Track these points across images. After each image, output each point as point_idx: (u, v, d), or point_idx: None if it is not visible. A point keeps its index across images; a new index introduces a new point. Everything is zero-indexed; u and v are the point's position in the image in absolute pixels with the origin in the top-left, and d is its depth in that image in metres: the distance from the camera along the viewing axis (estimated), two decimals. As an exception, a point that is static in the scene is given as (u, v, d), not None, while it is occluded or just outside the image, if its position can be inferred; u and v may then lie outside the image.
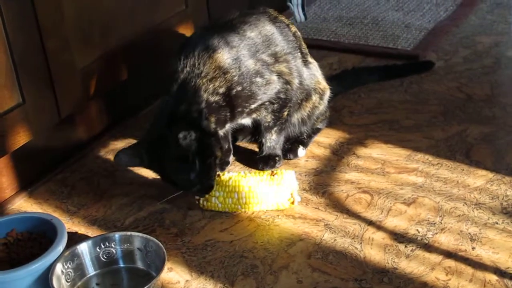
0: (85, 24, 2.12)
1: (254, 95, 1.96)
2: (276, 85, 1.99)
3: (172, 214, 1.94)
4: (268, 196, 1.90)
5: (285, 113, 2.06)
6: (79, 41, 2.11)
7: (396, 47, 2.70)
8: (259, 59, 1.97)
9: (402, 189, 1.96)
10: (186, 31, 2.43)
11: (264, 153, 2.10)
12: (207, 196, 1.90)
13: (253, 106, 1.98)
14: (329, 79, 2.26)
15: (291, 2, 2.87)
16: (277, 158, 2.10)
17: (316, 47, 2.69)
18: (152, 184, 2.08)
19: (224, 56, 1.92)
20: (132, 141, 2.27)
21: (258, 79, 1.96)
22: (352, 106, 2.37)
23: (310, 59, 2.16)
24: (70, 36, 2.07)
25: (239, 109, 1.95)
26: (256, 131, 2.11)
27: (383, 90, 2.43)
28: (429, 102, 2.34)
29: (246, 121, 2.04)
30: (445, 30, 2.79)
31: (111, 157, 2.22)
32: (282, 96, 2.02)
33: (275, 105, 2.02)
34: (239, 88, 1.93)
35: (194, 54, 1.91)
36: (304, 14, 2.91)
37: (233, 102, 1.93)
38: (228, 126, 1.98)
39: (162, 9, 2.37)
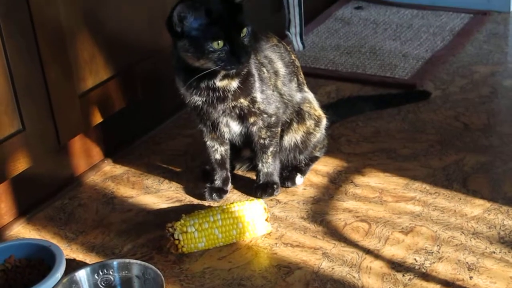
0: (86, 54, 2.13)
1: (261, 86, 1.99)
2: (272, 95, 2.02)
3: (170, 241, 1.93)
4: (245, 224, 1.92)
5: (279, 129, 2.07)
6: (80, 70, 2.12)
7: (393, 76, 2.71)
8: (266, 61, 2.03)
9: (400, 218, 1.97)
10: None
11: (262, 181, 2.10)
12: (184, 229, 1.89)
13: (258, 101, 2.00)
14: (326, 107, 2.27)
15: (289, 31, 2.89)
16: (275, 186, 2.10)
17: (314, 76, 2.71)
18: (150, 211, 2.09)
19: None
20: (131, 169, 2.29)
21: (264, 86, 2.00)
22: (350, 134, 2.37)
23: (306, 89, 2.18)
24: (71, 65, 2.08)
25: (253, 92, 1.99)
26: (253, 158, 2.12)
27: (381, 119, 2.44)
28: (426, 131, 2.35)
29: (237, 128, 2.04)
30: (442, 60, 2.80)
31: (109, 184, 2.23)
32: (278, 105, 2.04)
33: (272, 118, 2.03)
34: (254, 72, 1.98)
35: None
36: (303, 43, 2.92)
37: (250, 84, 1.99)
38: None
39: (164, 37, 2.38)
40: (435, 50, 2.89)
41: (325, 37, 3.09)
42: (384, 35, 3.05)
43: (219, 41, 1.83)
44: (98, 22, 2.16)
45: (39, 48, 1.98)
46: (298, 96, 2.12)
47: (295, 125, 2.13)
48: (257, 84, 1.98)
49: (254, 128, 2.04)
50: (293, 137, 2.13)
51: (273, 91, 2.02)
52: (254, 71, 1.98)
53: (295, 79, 2.12)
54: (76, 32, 2.09)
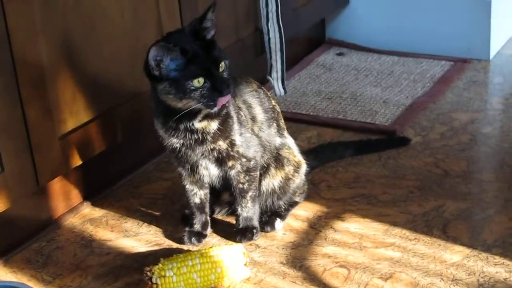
0: (67, 95, 2.14)
1: (240, 129, 2.01)
2: (250, 138, 2.03)
3: (148, 285, 1.92)
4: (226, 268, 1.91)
5: (257, 173, 2.07)
6: (60, 110, 2.12)
7: (374, 122, 2.73)
8: (245, 106, 2.05)
9: (379, 264, 1.97)
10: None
11: (241, 225, 2.10)
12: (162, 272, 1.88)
13: (237, 144, 2.00)
14: (307, 153, 2.28)
15: (271, 76, 2.91)
16: (254, 230, 2.10)
17: (295, 121, 2.72)
18: (128, 255, 2.08)
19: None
20: (110, 212, 2.28)
21: (244, 119, 2.03)
22: (329, 180, 2.38)
23: (286, 135, 2.19)
24: (51, 106, 2.08)
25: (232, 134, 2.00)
26: (233, 202, 2.12)
27: (361, 165, 2.45)
28: (406, 177, 2.36)
29: (215, 171, 2.05)
30: (422, 106, 2.83)
31: (88, 226, 2.22)
32: (257, 149, 2.04)
33: (251, 162, 2.03)
34: (232, 113, 1.99)
35: None
36: (284, 88, 2.95)
37: (228, 126, 1.99)
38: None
39: (142, 83, 2.39)
40: (415, 96, 2.91)
41: (306, 82, 3.11)
42: (365, 82, 3.08)
43: (199, 79, 1.85)
44: (79, 63, 2.17)
45: (20, 87, 1.98)
46: (277, 141, 2.13)
47: (272, 170, 2.13)
48: (235, 127, 1.99)
49: (233, 172, 2.04)
50: (270, 182, 2.14)
51: (251, 134, 2.03)
52: (233, 114, 1.99)
53: (275, 124, 2.13)
54: (57, 72, 2.10)
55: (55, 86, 2.09)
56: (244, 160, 2.02)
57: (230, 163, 2.02)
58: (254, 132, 2.06)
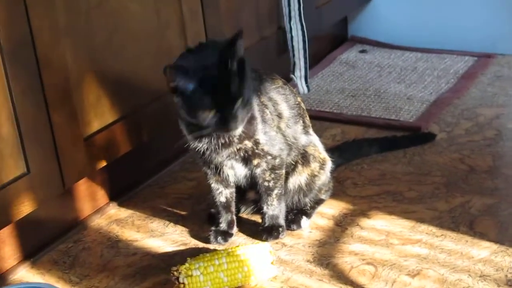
0: (92, 96, 2.15)
1: (264, 128, 2.00)
2: (276, 135, 2.02)
3: (175, 285, 1.93)
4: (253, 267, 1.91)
5: (283, 171, 2.06)
6: (86, 112, 2.13)
7: (398, 119, 2.72)
8: (271, 104, 2.04)
9: (406, 261, 1.96)
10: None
11: (267, 224, 2.10)
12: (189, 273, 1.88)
13: (262, 143, 1.99)
14: (331, 150, 2.27)
15: (294, 74, 2.91)
16: (280, 229, 2.10)
17: (319, 119, 2.71)
18: (155, 255, 2.08)
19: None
20: (136, 213, 2.29)
21: (269, 116, 2.01)
22: (355, 177, 2.37)
23: (312, 132, 2.18)
24: (76, 108, 2.09)
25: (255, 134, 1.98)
26: (258, 200, 2.12)
27: (386, 162, 2.44)
28: (432, 174, 2.35)
29: (242, 171, 2.05)
30: (446, 102, 2.81)
31: (114, 227, 2.23)
32: (282, 147, 2.04)
33: (277, 160, 2.03)
34: (256, 114, 1.98)
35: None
36: (307, 86, 2.94)
37: (252, 124, 1.97)
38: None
39: (165, 82, 2.39)
40: (439, 92, 2.90)
41: (330, 80, 3.10)
42: (388, 78, 3.06)
43: (211, 111, 1.84)
44: (103, 64, 2.18)
45: (45, 90, 1.99)
46: (303, 139, 2.13)
47: (300, 167, 2.13)
48: (260, 126, 1.98)
49: (258, 170, 2.04)
50: (297, 180, 2.13)
51: (276, 132, 2.03)
52: (257, 114, 1.98)
53: (301, 121, 2.13)
54: (81, 74, 2.11)
55: (79, 88, 2.10)
56: (269, 157, 2.02)
57: (255, 161, 2.02)
58: (281, 129, 2.05)
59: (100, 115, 2.19)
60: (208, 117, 1.85)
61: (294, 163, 2.12)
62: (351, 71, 3.17)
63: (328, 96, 2.95)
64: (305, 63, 2.91)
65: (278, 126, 2.05)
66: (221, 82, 1.84)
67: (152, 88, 2.34)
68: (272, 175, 2.05)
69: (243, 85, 1.87)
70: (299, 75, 2.92)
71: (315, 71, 3.17)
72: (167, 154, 2.52)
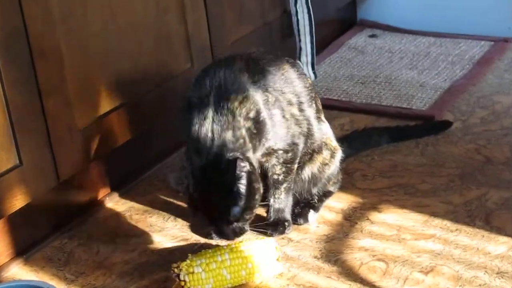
0: (88, 84, 2.14)
1: (273, 128, 1.98)
2: (290, 125, 2.01)
3: (176, 283, 1.92)
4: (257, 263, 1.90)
5: (296, 165, 2.05)
6: (81, 101, 2.12)
7: (410, 107, 2.71)
8: (277, 95, 2.01)
9: (419, 257, 1.95)
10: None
11: (272, 218, 2.09)
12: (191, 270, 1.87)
13: (269, 143, 1.99)
14: (340, 140, 2.26)
15: (300, 60, 2.89)
16: (286, 223, 2.09)
17: (327, 107, 2.67)
18: (154, 251, 2.08)
19: (250, 80, 1.97)
20: (134, 207, 2.28)
21: (277, 111, 1.99)
22: (365, 169, 2.36)
23: (323, 118, 2.17)
24: (71, 96, 2.08)
25: (263, 139, 1.97)
26: (265, 192, 2.10)
27: (398, 152, 2.43)
28: (446, 165, 2.34)
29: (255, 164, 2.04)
30: (461, 90, 2.79)
31: (111, 222, 2.22)
32: (296, 140, 2.02)
33: (289, 154, 2.02)
34: (264, 114, 1.96)
35: (219, 76, 1.95)
36: (314, 73, 2.93)
37: (261, 129, 1.96)
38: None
39: (167, 68, 2.38)
40: (454, 79, 2.88)
41: (338, 66, 3.09)
42: (400, 64, 3.05)
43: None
44: (100, 51, 2.16)
45: (38, 78, 1.98)
46: (316, 127, 2.11)
47: (315, 155, 2.12)
48: (268, 129, 1.98)
49: (267, 165, 2.03)
50: (311, 168, 2.13)
51: (288, 128, 2.01)
52: (267, 120, 1.97)
53: (314, 105, 2.11)
54: (77, 62, 2.09)
55: (75, 76, 2.09)
56: (280, 152, 2.01)
57: (264, 159, 2.01)
58: (294, 115, 2.04)
59: (97, 104, 2.18)
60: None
61: (311, 152, 2.11)
62: (360, 57, 3.15)
63: (336, 83, 2.94)
64: (312, 48, 2.90)
65: (292, 114, 2.03)
66: (211, 196, 1.90)
67: (151, 75, 2.33)
68: (283, 169, 2.04)
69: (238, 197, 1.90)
70: (305, 61, 2.90)
71: (322, 57, 3.15)
72: (167, 144, 2.51)
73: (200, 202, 1.91)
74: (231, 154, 1.88)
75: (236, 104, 1.92)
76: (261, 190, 1.96)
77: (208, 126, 1.90)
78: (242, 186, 1.88)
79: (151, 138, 2.45)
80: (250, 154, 1.93)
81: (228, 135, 1.89)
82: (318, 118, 2.14)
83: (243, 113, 1.92)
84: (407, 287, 1.84)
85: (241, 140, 1.91)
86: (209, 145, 1.89)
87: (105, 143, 2.22)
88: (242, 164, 1.86)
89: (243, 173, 1.87)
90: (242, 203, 1.88)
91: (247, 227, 1.93)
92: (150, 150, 2.47)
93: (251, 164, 1.91)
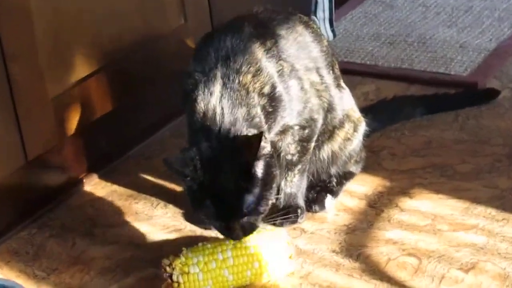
0: (61, 46, 2.14)
1: (289, 104, 1.99)
2: (309, 97, 2.02)
3: (167, 282, 1.93)
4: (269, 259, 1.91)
5: (313, 144, 2.07)
6: (53, 66, 2.13)
7: (448, 73, 2.71)
8: (292, 62, 2.02)
9: (458, 252, 1.96)
10: (186, 50, 2.44)
11: (283, 204, 2.10)
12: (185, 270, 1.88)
13: (285, 120, 1.99)
14: (364, 112, 2.26)
15: (316, 16, 2.89)
16: (299, 211, 2.10)
17: (347, 72, 2.66)
18: (141, 244, 2.09)
19: (262, 48, 1.97)
20: (117, 191, 2.29)
21: (292, 85, 1.99)
22: (393, 146, 2.37)
23: (343, 84, 2.18)
24: (41, 61, 2.09)
25: (279, 118, 1.98)
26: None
27: (433, 127, 2.44)
28: (491, 142, 2.35)
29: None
30: (510, 52, 2.80)
31: (90, 209, 2.23)
32: (315, 116, 2.04)
33: (306, 131, 2.04)
34: (279, 89, 1.96)
35: (226, 46, 1.95)
36: (333, 31, 2.93)
37: (277, 106, 1.96)
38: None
39: (155, 25, 2.38)
40: (501, 39, 2.89)
41: (361, 23, 3.09)
42: (436, 21, 3.05)
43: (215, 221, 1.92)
44: (75, 8, 2.17)
45: (1, 40, 1.98)
46: (337, 96, 2.12)
47: (336, 132, 2.14)
48: (285, 105, 1.98)
49: (281, 143, 2.05)
50: (331, 146, 2.15)
51: (305, 103, 2.02)
52: (283, 96, 1.98)
53: (331, 71, 2.12)
54: (48, 18, 2.10)
55: (45, 37, 2.10)
56: (296, 128, 2.02)
57: (277, 137, 2.03)
58: (314, 84, 2.05)
59: (71, 69, 2.19)
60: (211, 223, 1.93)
61: (331, 129, 2.12)
62: (389, 11, 3.16)
63: (359, 44, 2.94)
64: (330, 2, 2.89)
65: (310, 82, 2.04)
66: (226, 192, 1.87)
67: (136, 34, 2.33)
68: (299, 148, 2.05)
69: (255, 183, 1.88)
70: (322, 17, 2.91)
71: (342, 11, 3.16)
72: (156, 117, 2.52)
73: (208, 190, 1.89)
74: (249, 130, 1.88)
75: (249, 77, 1.92)
76: (279, 179, 1.97)
77: (215, 102, 1.89)
78: (260, 170, 1.88)
79: (136, 109, 2.45)
80: (267, 135, 1.93)
81: (242, 112, 1.89)
82: (338, 85, 2.15)
83: (257, 88, 1.92)
84: (444, 287, 1.85)
85: (257, 119, 1.91)
86: (219, 122, 1.88)
87: (81, 116, 2.23)
88: (264, 143, 1.86)
89: (263, 155, 1.87)
90: (257, 191, 1.87)
91: (259, 222, 1.92)
92: (135, 123, 2.47)
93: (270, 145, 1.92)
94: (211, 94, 1.90)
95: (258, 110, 1.91)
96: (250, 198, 1.86)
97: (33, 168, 2.21)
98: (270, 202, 1.92)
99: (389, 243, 2.01)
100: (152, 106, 2.49)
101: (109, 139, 2.42)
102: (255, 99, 1.92)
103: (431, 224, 2.06)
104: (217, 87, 1.90)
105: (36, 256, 2.08)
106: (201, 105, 1.90)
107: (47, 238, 2.14)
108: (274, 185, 1.92)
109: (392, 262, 1.95)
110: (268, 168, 1.88)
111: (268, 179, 1.89)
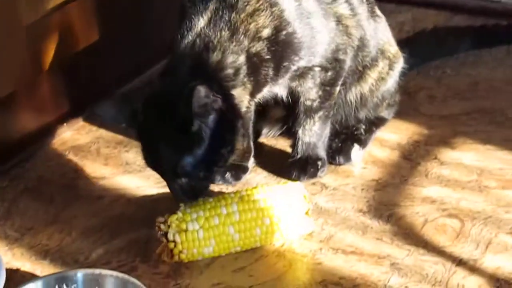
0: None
1: (307, 45, 1.99)
2: (334, 36, 2.02)
3: (162, 244, 1.95)
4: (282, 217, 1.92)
5: (337, 88, 2.08)
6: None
7: (500, 0, 2.70)
8: None
9: (508, 213, 1.97)
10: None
11: (300, 155, 2.12)
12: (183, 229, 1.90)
13: (301, 64, 2.00)
14: (399, 45, 2.27)
15: None
16: (319, 163, 2.12)
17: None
18: (131, 200, 2.11)
19: None
20: (103, 136, 2.30)
21: (313, 21, 1.99)
22: (433, 87, 2.38)
23: (378, 12, 2.19)
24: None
25: (286, 63, 1.98)
26: (289, 117, 2.13)
27: (480, 65, 2.44)
28: (549, 83, 2.36)
29: (282, 91, 2.06)
30: None
31: (71, 157, 2.24)
32: (340, 56, 2.04)
33: (329, 73, 2.04)
34: (290, 30, 1.96)
35: None
36: None
37: (281, 52, 1.96)
38: (260, 96, 2.01)
39: None
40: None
41: None
42: None
43: None
44: None
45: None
46: (370, 29, 2.13)
47: (367, 72, 2.15)
48: (299, 47, 1.99)
49: (300, 88, 2.06)
50: (360, 88, 2.16)
51: (328, 44, 2.02)
52: (296, 37, 1.97)
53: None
54: None
55: None
56: (317, 70, 2.03)
57: (294, 82, 2.05)
58: (342, 19, 2.04)
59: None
60: None
61: (361, 70, 2.13)
62: None
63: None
64: None
65: (336, 16, 2.04)
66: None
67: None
68: (320, 93, 2.06)
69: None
70: None
71: None
72: (147, 51, 2.52)
73: (143, 140, 1.94)
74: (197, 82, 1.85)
75: (242, 16, 1.92)
76: (237, 145, 1.97)
77: (189, 40, 1.91)
78: (206, 129, 1.88)
79: (126, 39, 2.45)
80: (238, 91, 1.94)
81: (215, 57, 1.90)
82: (372, 14, 2.15)
83: (250, 30, 1.92)
84: (490, 255, 1.87)
85: (229, 70, 1.91)
86: (187, 62, 1.90)
87: (60, 47, 2.23)
88: (204, 94, 1.83)
89: (209, 110, 1.86)
90: (199, 152, 1.88)
91: (205, 187, 1.94)
92: (125, 57, 2.48)
93: (229, 102, 1.91)
94: (189, 29, 1.91)
95: (240, 58, 1.92)
96: (187, 159, 1.87)
97: (2, 109, 2.22)
98: (214, 170, 1.94)
99: (426, 201, 2.03)
100: (143, 38, 2.49)
101: (93, 76, 2.42)
102: (243, 43, 1.92)
103: (476, 180, 2.08)
104: (200, 22, 1.91)
105: (7, 214, 2.09)
106: (177, 41, 1.92)
107: (21, 193, 2.16)
108: (225, 151, 1.93)
109: (430, 225, 1.96)
110: (222, 128, 1.89)
111: (220, 141, 1.90)
